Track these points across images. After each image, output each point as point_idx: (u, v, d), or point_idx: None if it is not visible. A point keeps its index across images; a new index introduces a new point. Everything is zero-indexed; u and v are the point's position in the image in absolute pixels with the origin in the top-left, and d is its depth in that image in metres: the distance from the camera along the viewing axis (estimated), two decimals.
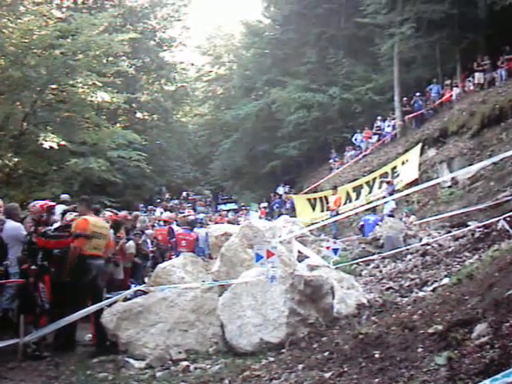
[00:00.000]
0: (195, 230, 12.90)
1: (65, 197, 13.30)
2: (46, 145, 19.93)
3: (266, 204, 33.15)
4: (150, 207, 31.77)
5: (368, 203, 20.30)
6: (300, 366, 6.33)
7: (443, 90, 26.49)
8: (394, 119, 28.40)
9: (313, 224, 19.38)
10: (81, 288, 8.40)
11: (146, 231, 13.66)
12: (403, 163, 23.09)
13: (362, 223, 17.89)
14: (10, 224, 8.66)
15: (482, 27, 24.33)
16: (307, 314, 7.90)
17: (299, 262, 10.62)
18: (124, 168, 27.41)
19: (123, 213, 13.22)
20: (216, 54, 56.99)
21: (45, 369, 7.48)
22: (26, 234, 8.47)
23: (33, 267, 8.04)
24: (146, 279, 11.59)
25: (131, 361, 7.55)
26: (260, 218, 26.89)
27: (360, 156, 29.01)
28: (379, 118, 29.44)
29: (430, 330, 5.84)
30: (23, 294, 8.31)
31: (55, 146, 20.06)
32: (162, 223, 16.67)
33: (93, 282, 8.55)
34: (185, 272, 9.54)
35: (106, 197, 25.05)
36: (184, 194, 45.07)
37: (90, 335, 8.74)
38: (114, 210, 13.00)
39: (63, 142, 20.42)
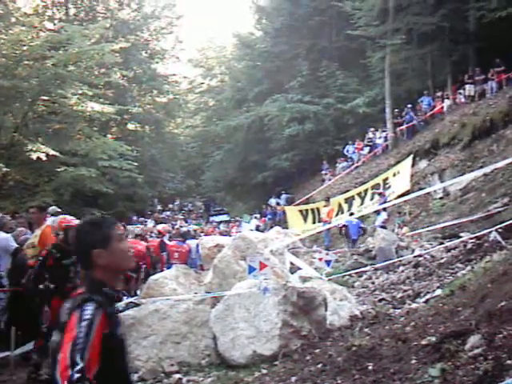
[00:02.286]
0: (187, 241, 12.87)
1: (53, 209, 13.19)
2: (34, 156, 19.84)
3: (258, 215, 33.14)
4: (141, 219, 31.69)
5: (359, 212, 20.49)
6: (293, 379, 6.30)
7: (434, 102, 26.64)
8: (385, 131, 28.49)
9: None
10: None
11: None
12: (395, 175, 23.13)
13: (344, 223, 18.57)
14: (0, 235, 8.63)
15: (473, 40, 24.53)
16: (300, 325, 7.88)
17: (292, 273, 10.59)
18: (115, 179, 27.35)
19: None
20: (208, 66, 57.17)
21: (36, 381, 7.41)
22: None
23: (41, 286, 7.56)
24: (138, 291, 11.53)
25: None
26: (258, 227, 26.99)
27: (352, 168, 29.05)
28: (371, 129, 29.52)
29: (424, 342, 5.83)
30: (15, 306, 8.25)
31: (43, 156, 19.97)
32: (154, 235, 16.65)
33: None
34: (177, 284, 9.51)
35: (98, 209, 25.00)
36: (176, 203, 45.00)
37: None
38: None
39: (53, 153, 20.34)
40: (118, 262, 2.74)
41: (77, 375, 2.34)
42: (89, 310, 2.52)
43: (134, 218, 31.89)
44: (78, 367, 2.36)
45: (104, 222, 2.82)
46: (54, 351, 2.58)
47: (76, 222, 8.36)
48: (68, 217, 8.52)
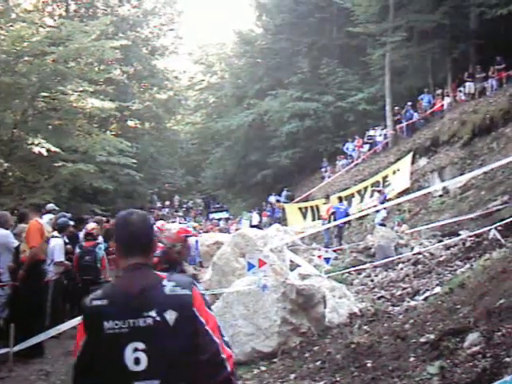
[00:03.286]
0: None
1: (51, 206, 13.27)
2: (36, 149, 19.83)
3: (258, 211, 33.21)
4: None
5: (359, 211, 20.48)
6: (292, 376, 6.31)
7: (434, 100, 26.61)
8: (385, 128, 28.48)
9: (303, 233, 19.55)
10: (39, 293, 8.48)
11: None
12: (394, 172, 23.14)
13: (333, 210, 19.28)
14: (0, 232, 8.63)
15: (473, 37, 24.50)
16: (299, 323, 7.88)
17: (291, 270, 10.58)
18: (115, 176, 27.35)
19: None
20: (208, 63, 57.04)
21: (36, 378, 7.42)
22: None
23: None
24: None
25: None
26: (260, 222, 27.24)
27: (351, 165, 29.05)
28: (371, 127, 29.50)
29: (422, 339, 5.84)
30: (14, 302, 8.28)
31: (44, 152, 19.96)
32: None
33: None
34: None
35: (97, 205, 25.05)
36: (176, 198, 44.98)
37: None
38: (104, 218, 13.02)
39: (54, 149, 20.32)
40: None
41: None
42: (200, 287, 2.62)
43: None
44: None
45: None
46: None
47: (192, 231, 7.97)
48: (184, 226, 7.95)
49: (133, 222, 2.66)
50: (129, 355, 2.42)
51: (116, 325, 2.43)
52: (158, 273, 2.63)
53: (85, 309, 2.54)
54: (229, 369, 2.51)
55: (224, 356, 2.51)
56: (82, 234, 11.30)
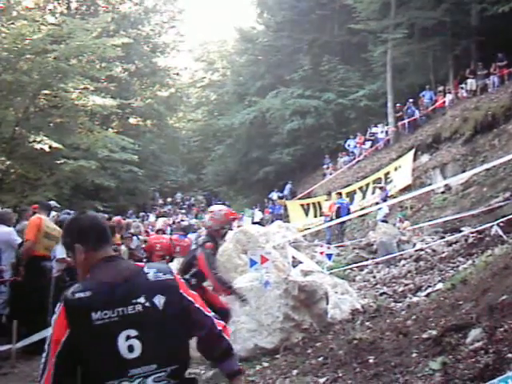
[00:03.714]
0: (189, 235, 12.90)
1: (52, 203, 13.33)
2: (38, 146, 19.87)
3: (260, 208, 33.20)
4: (141, 214, 31.65)
5: (361, 209, 20.46)
6: (294, 372, 6.31)
7: (436, 97, 26.57)
8: (387, 125, 28.45)
9: (306, 229, 19.53)
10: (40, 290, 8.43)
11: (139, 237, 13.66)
12: (396, 169, 23.12)
13: (338, 206, 19.43)
14: (2, 229, 8.66)
15: (475, 34, 24.46)
16: (301, 319, 7.88)
17: (293, 267, 10.59)
18: (117, 173, 27.39)
19: (117, 218, 13.28)
20: (209, 60, 57.05)
21: (38, 375, 7.41)
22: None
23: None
24: None
25: None
26: (262, 219, 27.38)
27: (353, 162, 29.01)
28: (377, 124, 29.47)
29: (425, 335, 5.84)
30: (17, 299, 8.30)
31: (47, 148, 19.99)
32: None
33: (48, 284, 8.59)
34: None
35: (99, 202, 25.09)
36: (178, 195, 45.04)
37: None
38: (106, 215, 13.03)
39: (55, 145, 20.35)
40: None
41: None
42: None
43: (130, 211, 31.76)
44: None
45: None
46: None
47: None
48: (230, 208, 8.08)
49: (90, 218, 2.72)
50: (122, 344, 2.40)
51: (105, 315, 2.39)
52: (133, 262, 2.72)
53: (68, 302, 2.45)
54: (227, 338, 2.70)
55: (220, 328, 2.69)
56: None
